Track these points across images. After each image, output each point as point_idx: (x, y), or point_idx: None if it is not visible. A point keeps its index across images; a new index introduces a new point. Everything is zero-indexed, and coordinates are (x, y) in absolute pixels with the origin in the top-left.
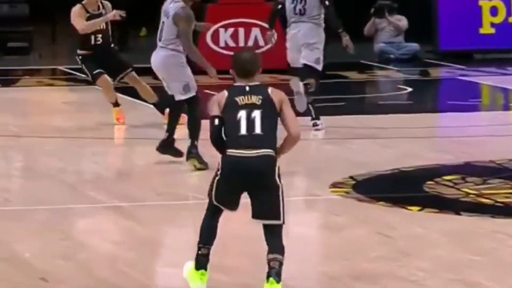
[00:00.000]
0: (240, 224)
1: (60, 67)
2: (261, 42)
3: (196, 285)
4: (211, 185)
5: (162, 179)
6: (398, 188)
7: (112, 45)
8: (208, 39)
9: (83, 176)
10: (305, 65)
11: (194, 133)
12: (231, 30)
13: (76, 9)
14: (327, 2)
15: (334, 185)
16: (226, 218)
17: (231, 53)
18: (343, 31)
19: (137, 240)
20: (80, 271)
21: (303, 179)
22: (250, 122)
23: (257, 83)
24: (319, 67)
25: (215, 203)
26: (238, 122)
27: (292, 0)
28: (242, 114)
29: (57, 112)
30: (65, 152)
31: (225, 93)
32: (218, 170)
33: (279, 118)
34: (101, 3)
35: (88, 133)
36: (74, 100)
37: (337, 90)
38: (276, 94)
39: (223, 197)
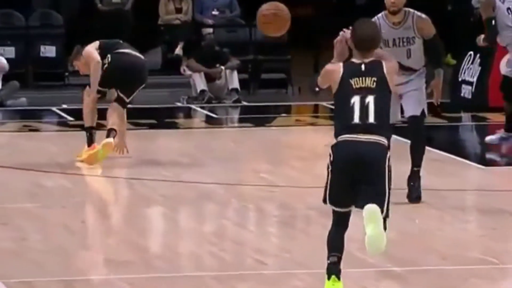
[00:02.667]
0: None
1: (323, 103)
2: None
3: None
4: (325, 186)
5: (446, 240)
6: None
7: None
8: None
9: (349, 236)
10: None
11: None
12: None
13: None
14: None
15: None
16: None
17: None
18: None
19: None
20: None
21: None
22: (364, 110)
23: (372, 59)
24: None
25: (328, 204)
26: (351, 109)
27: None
28: (355, 100)
29: (319, 157)
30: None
31: (340, 69)
32: (329, 162)
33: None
34: None
35: None
36: None
37: None
38: (390, 70)
39: (337, 192)
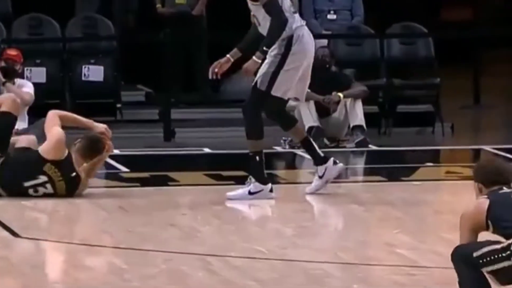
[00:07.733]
0: None
1: (486, 147)
2: None
3: None
4: (494, 260)
5: None
6: None
7: None
8: None
9: None
10: None
11: None
12: None
13: None
14: None
15: None
16: None
17: None
18: None
19: None
20: None
21: None
22: None
23: None
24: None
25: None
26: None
27: None
28: None
29: None
30: None
31: (485, 203)
32: (508, 251)
33: None
34: None
35: None
36: None
37: None
38: None
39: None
